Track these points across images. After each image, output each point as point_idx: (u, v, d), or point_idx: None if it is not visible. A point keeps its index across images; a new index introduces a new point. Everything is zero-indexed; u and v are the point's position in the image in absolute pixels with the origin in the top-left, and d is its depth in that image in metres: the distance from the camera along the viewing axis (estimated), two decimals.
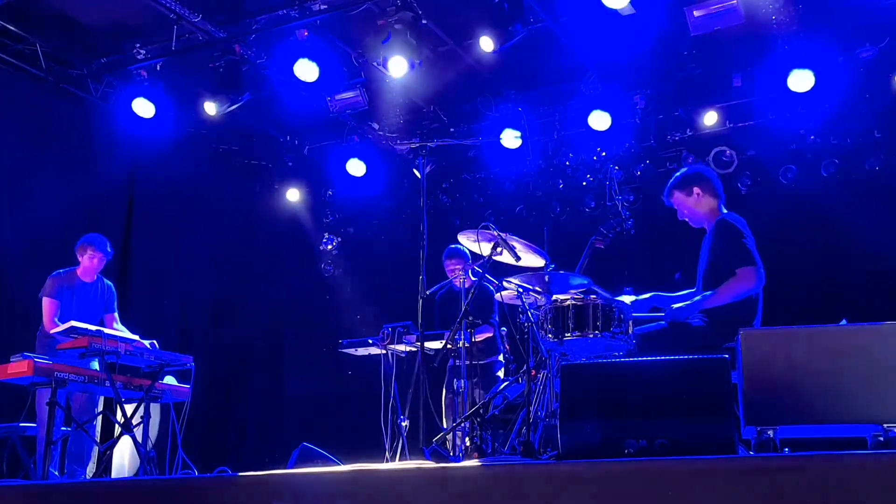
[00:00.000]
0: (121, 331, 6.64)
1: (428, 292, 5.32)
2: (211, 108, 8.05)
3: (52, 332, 6.26)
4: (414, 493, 3.37)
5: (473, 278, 5.73)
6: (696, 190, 4.95)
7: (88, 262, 6.75)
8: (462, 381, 5.58)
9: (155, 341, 6.34)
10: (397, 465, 5.27)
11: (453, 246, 6.83)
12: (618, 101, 8.46)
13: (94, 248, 6.74)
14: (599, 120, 8.42)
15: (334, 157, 9.69)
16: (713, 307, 4.68)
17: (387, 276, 9.63)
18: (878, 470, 2.79)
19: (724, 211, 4.97)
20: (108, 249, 6.84)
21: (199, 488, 3.93)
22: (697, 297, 4.77)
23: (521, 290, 5.07)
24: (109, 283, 6.99)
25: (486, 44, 7.16)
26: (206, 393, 6.77)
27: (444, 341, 5.73)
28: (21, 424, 6.21)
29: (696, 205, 4.96)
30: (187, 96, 8.31)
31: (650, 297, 4.91)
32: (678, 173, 5.12)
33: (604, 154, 9.01)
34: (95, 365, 6.03)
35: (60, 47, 8.09)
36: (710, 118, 8.52)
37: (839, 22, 7.38)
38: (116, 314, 6.94)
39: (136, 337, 6.47)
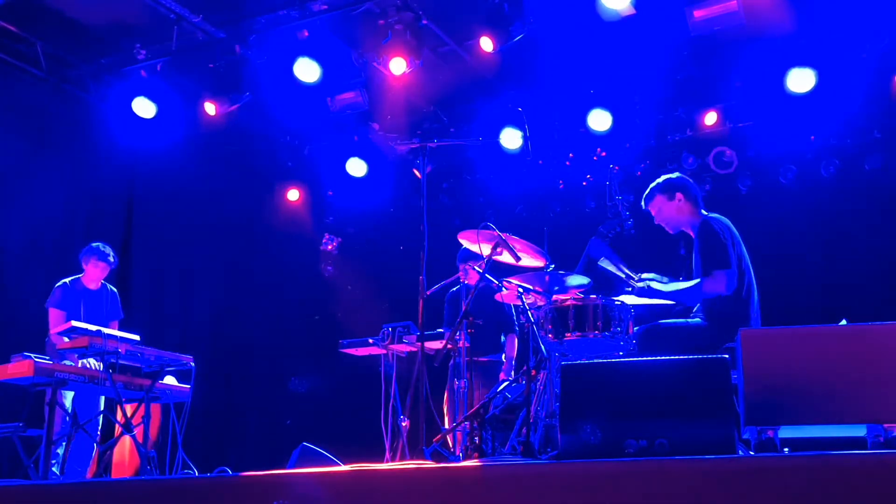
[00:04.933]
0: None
1: (429, 292, 5.32)
2: (211, 108, 8.05)
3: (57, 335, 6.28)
4: (414, 493, 3.37)
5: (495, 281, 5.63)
6: (678, 195, 5.09)
7: (93, 271, 6.82)
8: (462, 380, 5.57)
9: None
10: (397, 465, 5.26)
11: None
12: (618, 101, 8.46)
13: (98, 258, 6.82)
14: (599, 120, 8.42)
15: (334, 157, 9.68)
16: (685, 299, 4.93)
17: (387, 277, 9.62)
18: (878, 470, 2.79)
19: (705, 213, 5.06)
20: (111, 259, 6.91)
21: (199, 488, 3.94)
22: (671, 286, 4.93)
23: (521, 290, 5.07)
24: (113, 288, 7.01)
25: (486, 44, 7.16)
26: (206, 393, 6.75)
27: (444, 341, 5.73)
28: (21, 424, 6.22)
29: (677, 210, 5.10)
30: (187, 97, 8.30)
31: (665, 290, 4.97)
32: (660, 180, 5.23)
33: (604, 154, 9.00)
34: (91, 362, 6.05)
35: (60, 47, 8.09)
36: (709, 118, 8.52)
37: (839, 22, 7.38)
38: (118, 322, 6.97)
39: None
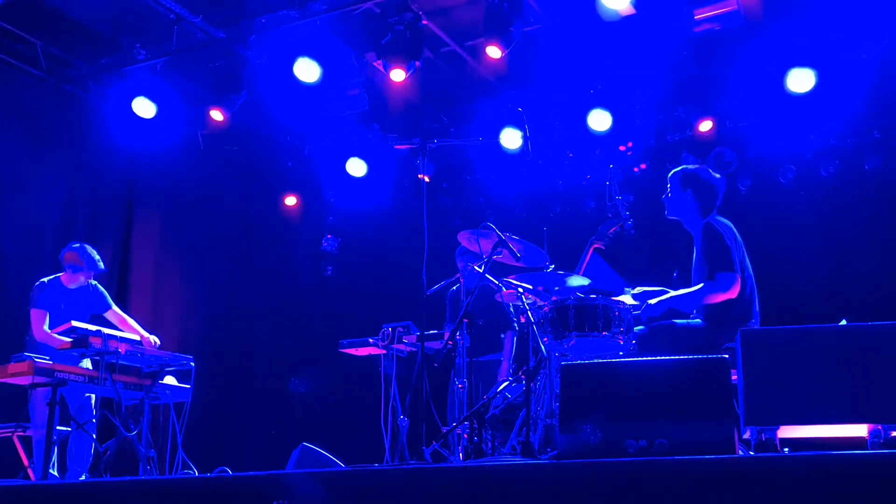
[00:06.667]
0: (134, 325, 6.61)
1: (429, 292, 5.32)
2: (218, 115, 8.06)
3: (43, 339, 6.20)
4: (414, 493, 3.38)
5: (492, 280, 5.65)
6: (690, 191, 5.07)
7: (72, 277, 6.54)
8: (461, 380, 5.57)
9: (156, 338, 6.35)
10: (397, 465, 5.26)
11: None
12: (618, 100, 8.45)
13: (84, 262, 6.52)
14: (599, 120, 8.42)
15: (335, 157, 9.69)
16: (687, 306, 4.91)
17: (387, 277, 9.61)
18: (878, 470, 2.79)
19: (710, 215, 5.04)
20: (100, 267, 6.63)
21: (199, 488, 3.94)
22: (672, 294, 4.90)
23: (521, 290, 5.08)
24: (95, 282, 6.83)
25: (494, 52, 7.13)
26: (206, 393, 6.75)
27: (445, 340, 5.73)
28: (22, 424, 6.21)
29: (683, 202, 5.09)
30: (187, 97, 8.31)
31: (666, 299, 4.92)
32: (693, 167, 5.23)
33: (603, 154, 9.00)
34: (87, 363, 6.02)
35: (60, 47, 8.08)
36: (704, 126, 8.50)
37: (839, 22, 7.38)
38: (116, 308, 6.77)
39: (144, 332, 6.45)
